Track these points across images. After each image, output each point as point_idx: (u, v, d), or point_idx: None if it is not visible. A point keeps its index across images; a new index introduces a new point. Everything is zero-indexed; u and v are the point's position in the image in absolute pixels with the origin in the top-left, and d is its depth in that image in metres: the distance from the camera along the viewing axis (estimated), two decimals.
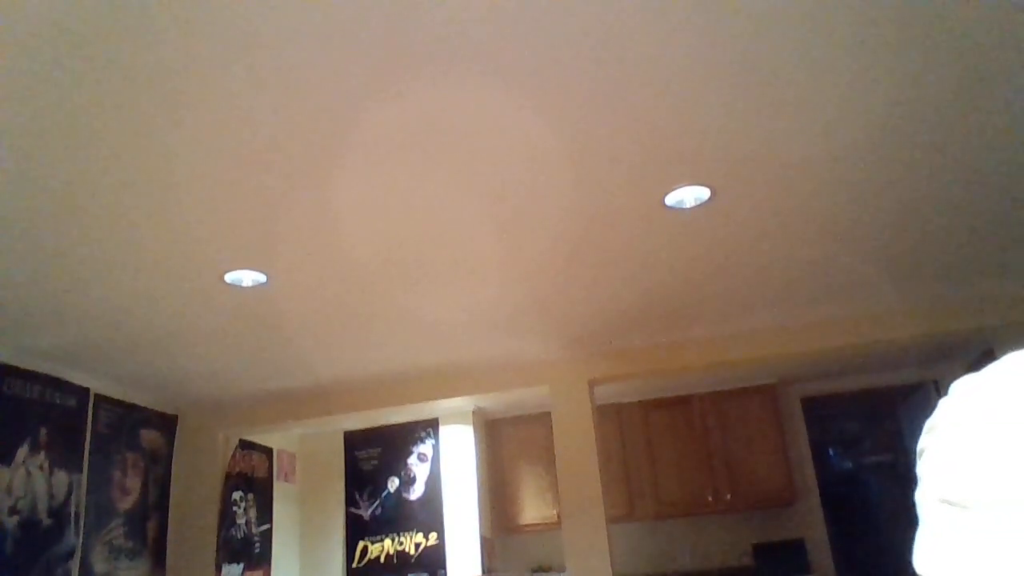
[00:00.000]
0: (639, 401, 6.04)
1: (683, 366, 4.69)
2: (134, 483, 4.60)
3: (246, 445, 5.44)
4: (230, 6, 1.72)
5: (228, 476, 5.14)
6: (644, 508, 5.83)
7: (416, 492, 5.81)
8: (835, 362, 5.57)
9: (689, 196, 2.82)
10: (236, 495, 5.23)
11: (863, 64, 2.13)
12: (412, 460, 5.89)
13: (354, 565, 5.79)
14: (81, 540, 4.09)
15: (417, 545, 5.68)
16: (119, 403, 4.54)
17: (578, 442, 4.66)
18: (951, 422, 0.54)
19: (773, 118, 2.36)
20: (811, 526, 5.78)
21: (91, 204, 2.50)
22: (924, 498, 0.54)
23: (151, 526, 4.72)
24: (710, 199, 2.85)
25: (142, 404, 4.75)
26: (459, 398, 5.07)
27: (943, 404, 0.56)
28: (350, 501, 5.95)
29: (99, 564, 4.21)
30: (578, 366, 4.81)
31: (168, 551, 4.83)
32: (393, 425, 5.92)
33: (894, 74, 2.19)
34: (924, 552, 0.53)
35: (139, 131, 2.14)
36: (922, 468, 0.56)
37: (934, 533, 0.52)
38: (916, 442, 0.58)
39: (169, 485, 4.93)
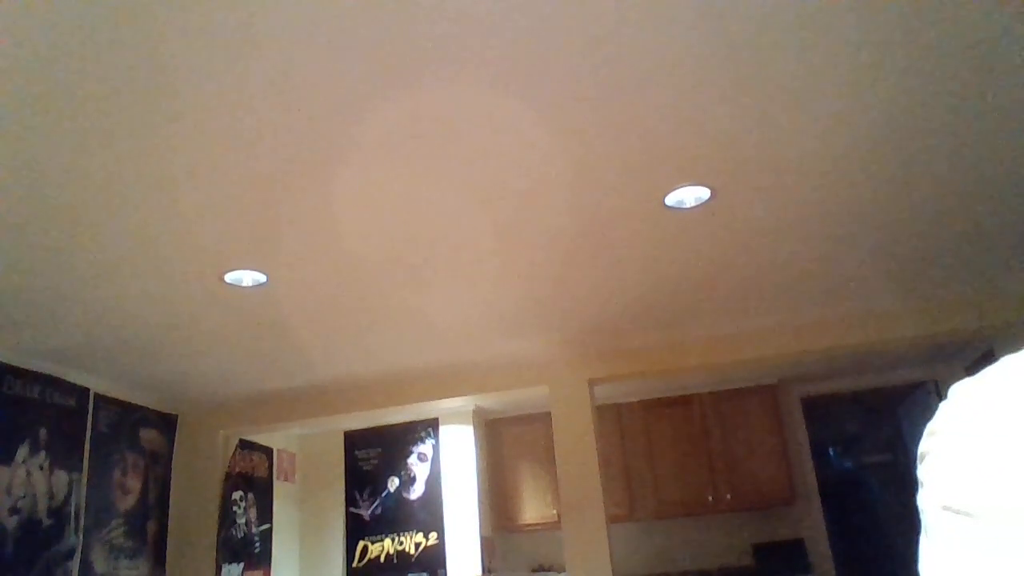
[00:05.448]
0: (639, 401, 6.04)
1: (683, 366, 4.69)
2: (134, 483, 4.60)
3: (246, 445, 5.44)
4: (231, 6, 1.72)
5: (228, 476, 5.14)
6: (644, 508, 5.83)
7: (416, 492, 5.81)
8: (835, 362, 5.57)
9: (689, 196, 2.82)
10: (236, 495, 5.23)
11: (863, 64, 2.13)
12: (412, 460, 5.89)
13: (354, 565, 5.79)
14: (81, 540, 4.09)
15: (417, 545, 5.69)
16: (119, 403, 4.54)
17: (578, 442, 4.66)
18: (952, 427, 0.54)
19: (773, 118, 2.36)
20: (811, 526, 5.78)
21: (91, 204, 2.50)
22: (927, 505, 0.54)
23: (151, 526, 4.72)
24: (710, 199, 2.85)
25: (142, 404, 4.75)
26: (459, 398, 5.07)
27: (943, 408, 0.56)
28: (350, 501, 5.95)
29: (99, 564, 4.21)
30: (578, 366, 4.81)
31: (168, 551, 4.83)
32: (393, 425, 5.92)
33: (894, 74, 2.19)
34: (929, 561, 0.53)
35: (139, 131, 2.14)
36: (923, 473, 0.55)
37: (938, 541, 0.52)
38: (916, 442, 0.58)
39: (169, 485, 4.93)
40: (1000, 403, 0.51)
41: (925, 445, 0.56)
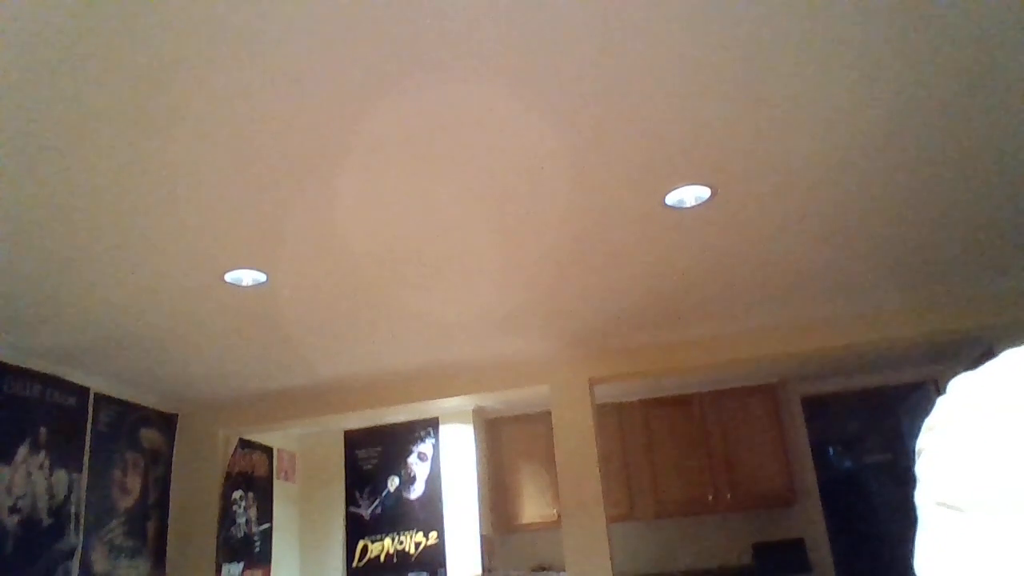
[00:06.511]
0: (639, 400, 6.03)
1: (683, 365, 4.69)
2: (134, 482, 4.60)
3: (246, 444, 5.44)
4: (231, 6, 1.72)
5: (228, 475, 5.14)
6: (644, 507, 5.83)
7: (416, 491, 5.81)
8: (835, 362, 5.57)
9: (689, 196, 2.82)
10: (236, 494, 5.24)
11: (863, 64, 2.13)
12: (412, 459, 5.89)
13: (354, 564, 5.79)
14: (81, 539, 4.09)
15: (417, 544, 5.69)
16: (119, 402, 4.54)
17: (578, 441, 4.66)
18: (950, 422, 0.54)
19: (773, 118, 2.36)
20: (811, 526, 5.78)
21: (91, 204, 2.50)
22: (923, 500, 0.54)
23: (151, 525, 4.72)
24: (710, 199, 2.85)
25: (142, 403, 4.75)
26: (459, 397, 5.07)
27: (941, 403, 0.56)
28: (350, 500, 5.95)
29: (99, 563, 4.21)
30: (578, 365, 4.81)
31: (168, 550, 4.83)
32: (393, 424, 5.92)
33: (894, 74, 2.19)
34: (924, 556, 0.53)
35: (139, 131, 2.14)
36: (921, 468, 0.55)
37: (934, 536, 0.52)
38: (916, 442, 0.58)
39: (169, 484, 4.93)
40: (998, 398, 0.51)
41: (923, 441, 0.56)
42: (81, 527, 4.10)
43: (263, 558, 5.48)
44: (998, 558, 0.47)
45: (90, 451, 4.25)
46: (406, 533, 5.73)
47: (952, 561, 0.50)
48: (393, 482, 5.88)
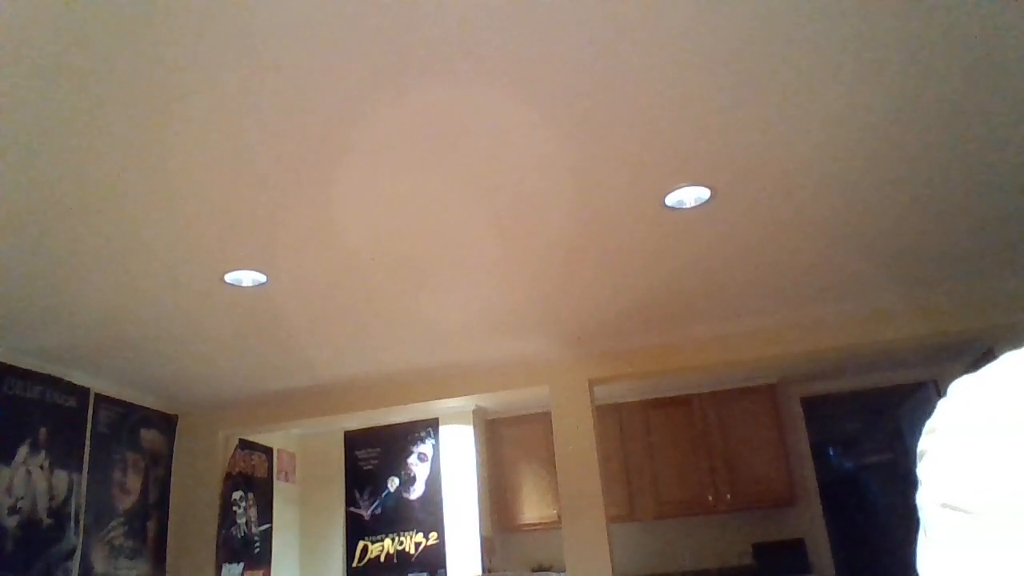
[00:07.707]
0: (639, 401, 6.04)
1: (683, 366, 4.69)
2: (134, 483, 4.60)
3: (246, 445, 5.44)
4: (230, 7, 1.72)
5: (228, 476, 5.14)
6: (644, 508, 5.83)
7: (416, 492, 5.81)
8: (835, 362, 5.57)
9: (689, 196, 2.82)
10: (236, 495, 5.23)
11: (863, 64, 2.13)
12: (412, 460, 5.89)
13: (354, 564, 5.79)
14: (81, 540, 4.09)
15: (417, 544, 5.68)
16: (119, 403, 4.54)
17: (578, 442, 4.66)
18: (951, 424, 0.54)
19: (773, 118, 2.36)
20: (811, 526, 5.78)
21: (91, 204, 2.50)
22: (925, 502, 0.54)
23: (151, 526, 4.72)
24: (710, 199, 2.85)
25: (142, 404, 4.75)
26: (459, 398, 5.07)
27: (943, 405, 0.56)
28: (350, 501, 5.95)
29: (99, 564, 4.21)
30: (578, 366, 4.81)
31: (168, 551, 4.83)
32: (393, 425, 5.92)
33: (894, 73, 2.19)
34: (927, 558, 0.53)
35: (140, 132, 2.14)
36: (923, 471, 0.55)
37: (937, 539, 0.52)
38: (916, 442, 0.58)
39: (169, 485, 4.93)
40: (1000, 400, 0.51)
41: (924, 443, 0.56)
42: (81, 527, 4.10)
43: (263, 558, 5.48)
44: (1005, 560, 0.47)
45: (90, 451, 4.25)
46: (406, 533, 5.73)
47: (958, 562, 0.50)
48: (393, 482, 5.88)
